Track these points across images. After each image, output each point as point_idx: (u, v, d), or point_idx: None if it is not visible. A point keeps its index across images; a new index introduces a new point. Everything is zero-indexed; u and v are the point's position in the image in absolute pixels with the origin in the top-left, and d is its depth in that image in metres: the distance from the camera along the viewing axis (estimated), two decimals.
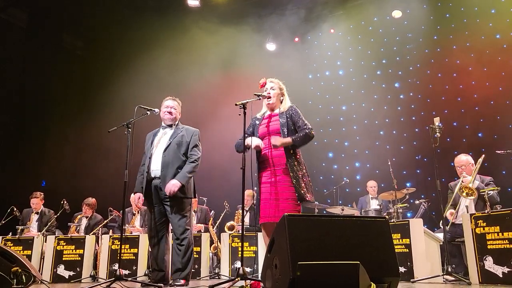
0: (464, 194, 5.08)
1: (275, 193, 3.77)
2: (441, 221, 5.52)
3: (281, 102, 4.07)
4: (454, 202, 5.49)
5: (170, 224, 4.49)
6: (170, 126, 4.63)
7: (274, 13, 10.06)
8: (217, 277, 6.28)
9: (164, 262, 4.39)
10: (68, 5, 9.48)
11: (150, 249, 4.56)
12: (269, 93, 4.03)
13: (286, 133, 3.85)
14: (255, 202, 3.96)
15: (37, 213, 7.29)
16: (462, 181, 5.41)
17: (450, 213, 5.38)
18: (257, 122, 4.08)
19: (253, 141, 3.87)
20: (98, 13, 9.45)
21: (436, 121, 4.98)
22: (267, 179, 3.85)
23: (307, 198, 3.74)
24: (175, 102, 4.68)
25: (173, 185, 4.24)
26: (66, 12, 9.73)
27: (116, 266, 5.99)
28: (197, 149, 4.54)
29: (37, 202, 7.30)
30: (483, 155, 5.32)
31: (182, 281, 4.25)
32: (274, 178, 3.82)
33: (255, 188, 3.97)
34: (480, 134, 8.78)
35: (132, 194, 7.14)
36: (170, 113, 4.60)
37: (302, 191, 3.72)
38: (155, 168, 4.43)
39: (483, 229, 4.26)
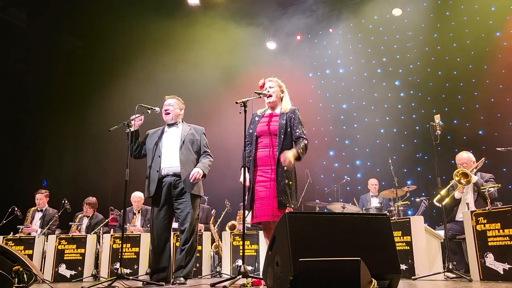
0: (457, 179, 5.06)
1: (273, 191, 3.78)
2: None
3: (282, 100, 4.08)
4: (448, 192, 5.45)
5: (174, 222, 4.50)
6: (174, 124, 4.63)
7: (275, 12, 10.05)
8: (218, 276, 6.29)
9: (167, 261, 4.40)
10: (67, 4, 9.49)
11: (151, 248, 4.56)
12: (269, 91, 4.04)
13: (282, 136, 3.86)
14: (246, 198, 3.93)
15: (40, 210, 7.29)
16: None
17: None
18: (257, 118, 4.08)
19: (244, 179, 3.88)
20: (98, 13, 9.44)
21: (437, 118, 4.97)
22: (265, 178, 3.85)
23: (286, 205, 3.73)
24: (174, 99, 4.66)
25: (197, 173, 4.30)
26: (65, 12, 9.73)
27: (117, 265, 5.99)
28: (209, 149, 4.62)
29: (41, 198, 7.31)
30: (483, 158, 5.32)
31: (183, 279, 4.26)
32: (273, 176, 3.83)
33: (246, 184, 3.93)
34: (480, 132, 8.77)
35: (133, 194, 7.21)
36: (166, 111, 4.60)
37: (283, 199, 3.73)
38: (170, 166, 4.41)
39: (484, 226, 4.26)
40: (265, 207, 3.78)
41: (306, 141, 3.88)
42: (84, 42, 10.91)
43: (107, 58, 10.18)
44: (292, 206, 3.77)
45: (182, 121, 4.69)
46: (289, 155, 3.73)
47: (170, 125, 4.63)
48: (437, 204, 5.15)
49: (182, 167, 4.37)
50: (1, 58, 9.15)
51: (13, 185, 8.80)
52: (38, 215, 7.28)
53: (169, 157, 4.44)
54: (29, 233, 6.86)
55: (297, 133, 3.90)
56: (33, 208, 7.30)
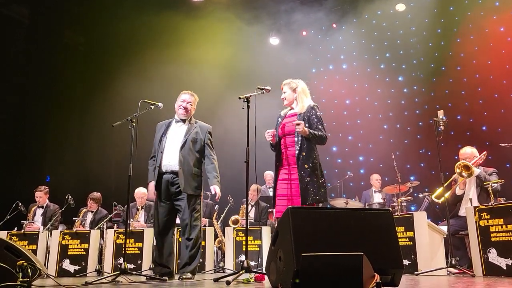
0: (458, 171, 5.05)
1: (290, 190, 3.83)
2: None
3: (297, 100, 4.11)
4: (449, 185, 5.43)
5: (177, 219, 4.52)
6: (184, 120, 4.64)
7: (278, 7, 10.03)
8: (221, 271, 6.30)
9: (170, 258, 4.42)
10: (69, 0, 9.49)
11: (155, 244, 4.58)
12: (283, 98, 4.13)
13: (300, 136, 3.88)
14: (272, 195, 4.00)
15: (41, 207, 7.30)
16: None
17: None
18: (280, 120, 4.14)
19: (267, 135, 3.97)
20: (100, 8, 9.44)
21: (440, 114, 4.96)
22: (284, 176, 3.92)
23: (307, 203, 3.73)
24: (193, 97, 4.69)
25: (218, 195, 4.58)
26: (67, 8, 9.73)
27: (121, 260, 6.01)
28: (212, 149, 4.65)
29: (40, 195, 7.30)
30: (485, 152, 5.31)
31: (190, 275, 4.28)
32: (289, 176, 3.89)
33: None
34: (484, 128, 8.76)
35: (136, 190, 7.22)
36: (185, 108, 4.61)
37: (307, 197, 3.75)
38: (168, 163, 4.45)
39: (487, 222, 4.26)
40: (283, 204, 3.82)
41: (324, 134, 3.95)
42: (86, 38, 10.90)
43: (109, 54, 10.17)
44: (319, 202, 3.76)
45: (191, 118, 4.71)
46: (304, 126, 3.79)
47: (177, 121, 4.65)
48: (436, 200, 5.15)
49: (181, 167, 4.41)
50: (3, 54, 9.15)
51: (16, 181, 8.82)
52: (39, 211, 7.29)
53: (170, 155, 4.47)
54: None
55: (319, 129, 3.96)
56: (34, 207, 7.30)
